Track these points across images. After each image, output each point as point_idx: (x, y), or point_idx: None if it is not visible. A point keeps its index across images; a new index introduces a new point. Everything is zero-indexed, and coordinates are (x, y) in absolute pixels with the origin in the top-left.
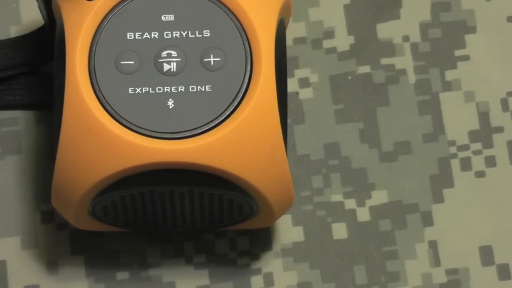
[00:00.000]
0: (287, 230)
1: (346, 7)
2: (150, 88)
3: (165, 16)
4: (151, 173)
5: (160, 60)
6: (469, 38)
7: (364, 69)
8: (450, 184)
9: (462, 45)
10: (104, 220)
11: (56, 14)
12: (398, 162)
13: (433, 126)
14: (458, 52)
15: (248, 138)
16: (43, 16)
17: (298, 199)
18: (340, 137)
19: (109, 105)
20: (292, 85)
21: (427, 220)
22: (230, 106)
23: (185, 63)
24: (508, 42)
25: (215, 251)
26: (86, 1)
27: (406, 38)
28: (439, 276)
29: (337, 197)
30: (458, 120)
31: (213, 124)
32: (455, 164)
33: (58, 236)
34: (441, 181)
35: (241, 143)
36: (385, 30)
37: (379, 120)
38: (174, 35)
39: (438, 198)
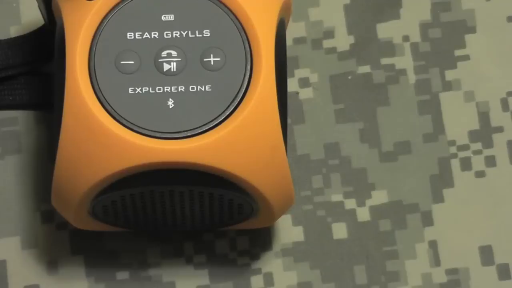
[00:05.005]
0: (287, 230)
1: (346, 7)
2: (150, 88)
3: (165, 16)
4: (151, 173)
5: (160, 60)
6: (469, 38)
7: (364, 69)
8: (450, 184)
9: (462, 45)
10: (104, 220)
11: (56, 14)
12: (398, 162)
13: (433, 126)
14: (458, 52)
15: (248, 138)
16: (43, 16)
17: (298, 199)
18: (340, 137)
19: (109, 105)
20: (292, 85)
21: (427, 220)
22: (230, 106)
23: (185, 63)
24: (508, 42)
25: (215, 251)
26: (86, 1)
27: (406, 38)
28: (439, 276)
29: (337, 197)
30: (458, 120)
31: (213, 124)
32: (455, 164)
33: (58, 236)
34: (441, 181)
35: (241, 143)
36: (385, 30)
37: (379, 120)
38: (174, 35)
39: (438, 198)
